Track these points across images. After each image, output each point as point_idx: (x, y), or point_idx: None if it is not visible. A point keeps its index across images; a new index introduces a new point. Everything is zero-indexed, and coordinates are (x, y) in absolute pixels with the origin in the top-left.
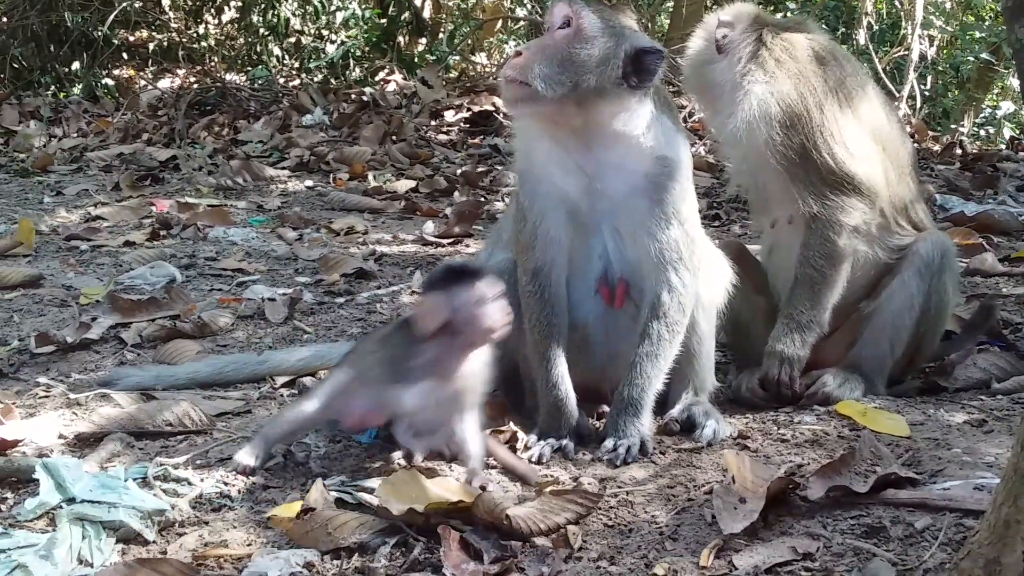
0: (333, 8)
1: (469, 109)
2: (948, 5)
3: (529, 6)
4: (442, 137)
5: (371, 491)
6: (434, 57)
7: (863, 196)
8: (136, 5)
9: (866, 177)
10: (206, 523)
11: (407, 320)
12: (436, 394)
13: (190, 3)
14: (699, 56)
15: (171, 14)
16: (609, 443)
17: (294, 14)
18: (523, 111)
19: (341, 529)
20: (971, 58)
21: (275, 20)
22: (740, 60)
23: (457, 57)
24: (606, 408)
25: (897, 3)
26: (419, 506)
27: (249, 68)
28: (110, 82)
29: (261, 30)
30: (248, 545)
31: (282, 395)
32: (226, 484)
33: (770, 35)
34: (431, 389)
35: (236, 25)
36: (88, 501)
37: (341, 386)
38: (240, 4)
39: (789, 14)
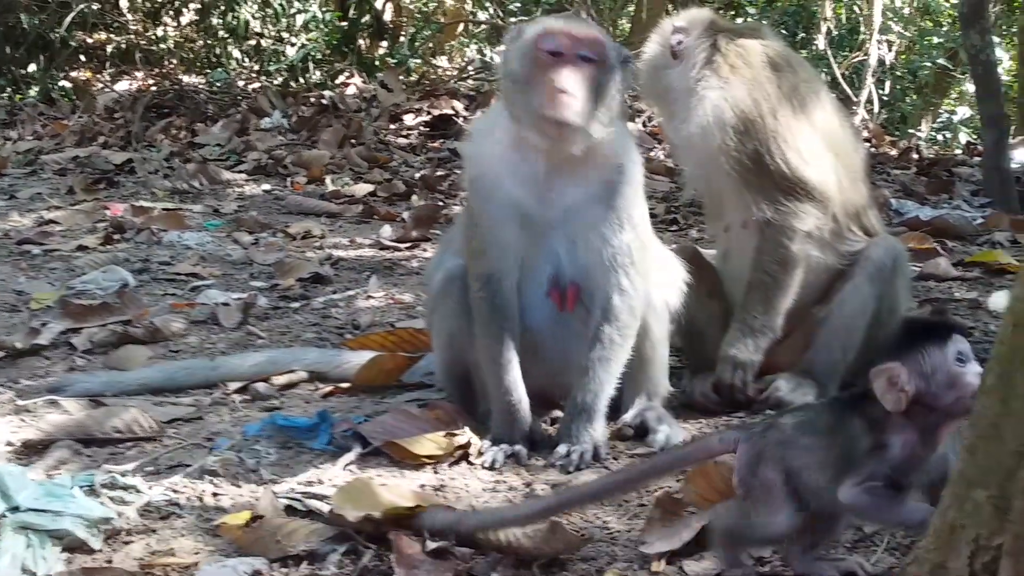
0: (293, 11)
1: (429, 113)
2: (907, 11)
3: (492, 10)
4: (401, 141)
5: (322, 498)
6: (395, 60)
7: (816, 202)
8: (94, 7)
9: (819, 183)
10: (153, 531)
11: (838, 400)
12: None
13: (148, 5)
14: (655, 61)
15: (129, 16)
16: (562, 449)
17: (254, 16)
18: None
19: (290, 537)
20: (928, 63)
21: (235, 22)
22: (695, 66)
23: (418, 60)
24: (559, 413)
25: (856, 8)
26: (375, 513)
27: (208, 71)
28: (67, 84)
29: (220, 32)
30: (196, 553)
31: (235, 401)
32: (175, 492)
33: (725, 41)
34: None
35: (195, 27)
36: (33, 510)
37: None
38: (199, 6)
39: (749, 19)
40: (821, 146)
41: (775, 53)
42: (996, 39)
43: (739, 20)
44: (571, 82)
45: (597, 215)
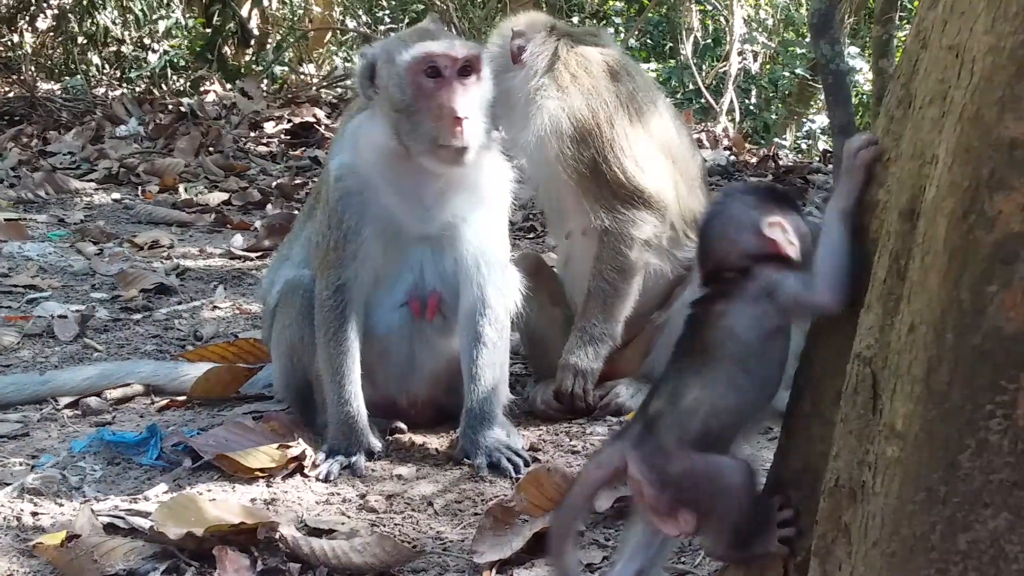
0: (156, 17)
1: (290, 121)
2: (770, 22)
3: (364, 18)
4: (262, 149)
5: (146, 515)
6: (261, 68)
7: (653, 210)
8: None
9: (656, 191)
10: None
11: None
12: None
13: (4, 10)
14: (493, 65)
15: None
16: (480, 461)
17: (114, 22)
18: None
19: (108, 556)
20: (786, 73)
21: (93, 28)
22: (536, 73)
23: (285, 68)
24: (399, 423)
25: (723, 19)
26: (198, 529)
27: (67, 77)
28: None
29: (79, 39)
30: (9, 575)
31: (65, 416)
32: None
33: (565, 48)
34: None
35: (54, 34)
36: None
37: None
38: (56, 12)
39: (618, 29)
40: (658, 154)
41: (614, 61)
42: (856, 49)
43: (610, 30)
44: (463, 106)
45: (475, 223)
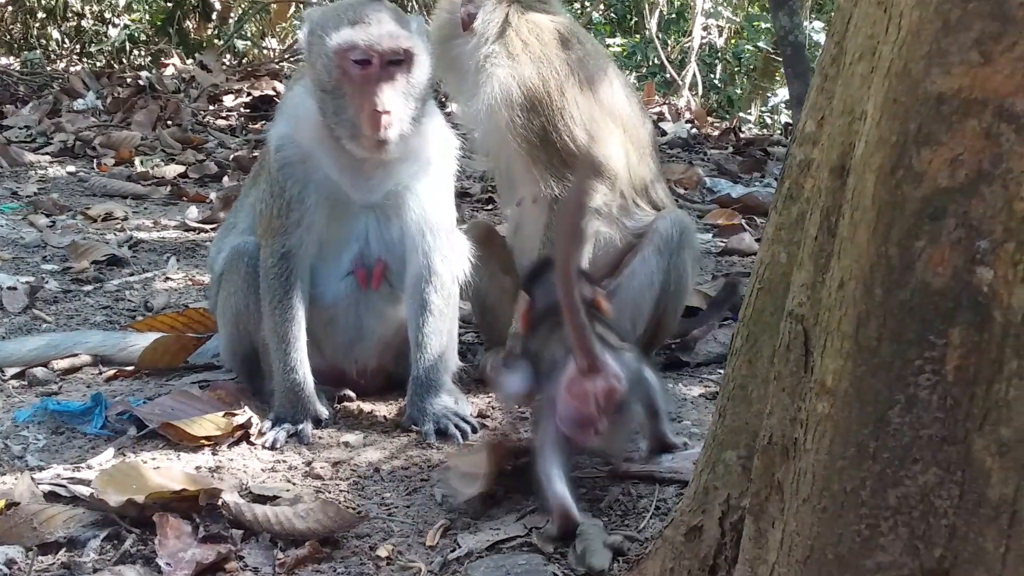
0: None
1: (249, 94)
2: None
3: None
4: (221, 122)
5: (87, 483)
6: (223, 42)
7: (603, 178)
8: None
9: (605, 159)
10: None
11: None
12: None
13: None
14: (443, 31)
15: None
16: (428, 427)
17: None
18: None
19: (48, 523)
20: (749, 47)
21: (53, 2)
22: (487, 40)
23: (247, 42)
24: (348, 391)
25: None
26: (139, 497)
27: (26, 52)
28: None
29: (39, 13)
30: None
31: (10, 387)
32: None
33: (516, 15)
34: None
35: (13, 8)
36: None
37: None
38: None
39: (583, 4)
40: (608, 122)
41: (565, 28)
42: (821, 24)
43: (575, 5)
44: (387, 98)
45: (419, 191)
